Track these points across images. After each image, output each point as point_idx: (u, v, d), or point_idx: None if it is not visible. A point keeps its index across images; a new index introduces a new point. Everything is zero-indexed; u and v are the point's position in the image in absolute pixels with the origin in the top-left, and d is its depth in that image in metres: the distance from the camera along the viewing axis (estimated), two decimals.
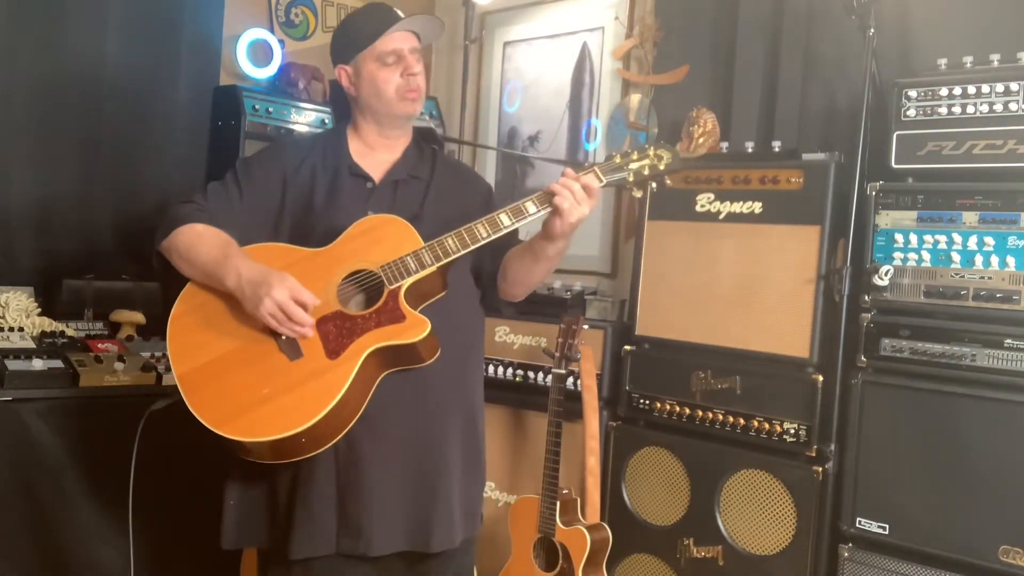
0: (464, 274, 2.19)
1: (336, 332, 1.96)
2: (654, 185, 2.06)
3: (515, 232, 2.12)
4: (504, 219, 2.00)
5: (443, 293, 2.08)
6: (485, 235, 2.00)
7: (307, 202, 2.12)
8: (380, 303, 1.98)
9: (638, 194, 2.07)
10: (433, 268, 1.99)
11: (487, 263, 2.21)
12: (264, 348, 1.98)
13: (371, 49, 2.12)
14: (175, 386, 1.99)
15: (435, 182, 2.20)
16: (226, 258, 1.99)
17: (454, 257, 2.00)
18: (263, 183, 2.14)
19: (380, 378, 2.01)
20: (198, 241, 2.04)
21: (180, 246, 2.05)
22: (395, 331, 1.96)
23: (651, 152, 2.04)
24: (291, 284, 1.93)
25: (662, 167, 2.03)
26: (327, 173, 2.15)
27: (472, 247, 2.00)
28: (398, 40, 2.13)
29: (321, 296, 1.97)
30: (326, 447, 1.97)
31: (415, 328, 1.96)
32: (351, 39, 2.18)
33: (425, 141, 2.30)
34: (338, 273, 2.01)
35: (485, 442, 2.27)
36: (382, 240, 2.02)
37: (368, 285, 2.02)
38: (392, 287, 1.98)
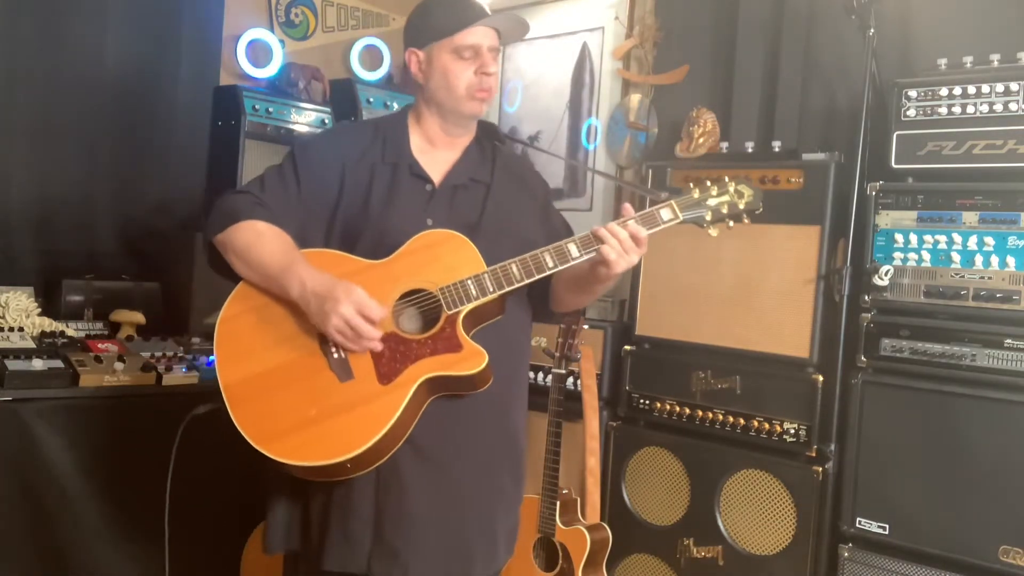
0: (521, 298, 2.09)
1: (390, 355, 1.86)
2: (731, 224, 1.92)
3: None
4: (573, 250, 1.88)
5: (500, 316, 1.97)
6: (552, 265, 1.88)
7: (364, 200, 2.00)
8: (437, 329, 1.88)
9: (715, 233, 1.92)
10: (495, 295, 1.88)
11: (539, 282, 2.08)
12: (315, 364, 1.88)
13: (450, 39, 1.98)
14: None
15: (495, 186, 2.08)
16: (291, 264, 1.89)
17: (517, 286, 1.89)
18: (321, 174, 2.01)
19: (428, 402, 1.91)
20: (258, 242, 1.92)
21: (238, 245, 1.94)
22: (451, 361, 1.86)
23: (731, 188, 1.91)
24: (358, 298, 1.82)
25: (742, 205, 1.90)
26: (387, 169, 2.03)
27: (537, 276, 1.89)
28: (480, 35, 1.99)
29: None
30: (369, 470, 1.89)
31: (472, 360, 1.86)
32: (430, 24, 2.02)
33: (487, 138, 2.17)
34: (395, 291, 1.90)
35: (526, 460, 2.17)
36: (443, 258, 1.90)
37: (425, 307, 1.91)
38: (451, 312, 1.87)
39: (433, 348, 1.87)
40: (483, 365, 1.86)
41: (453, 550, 1.97)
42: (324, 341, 1.89)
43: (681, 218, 1.89)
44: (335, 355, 1.89)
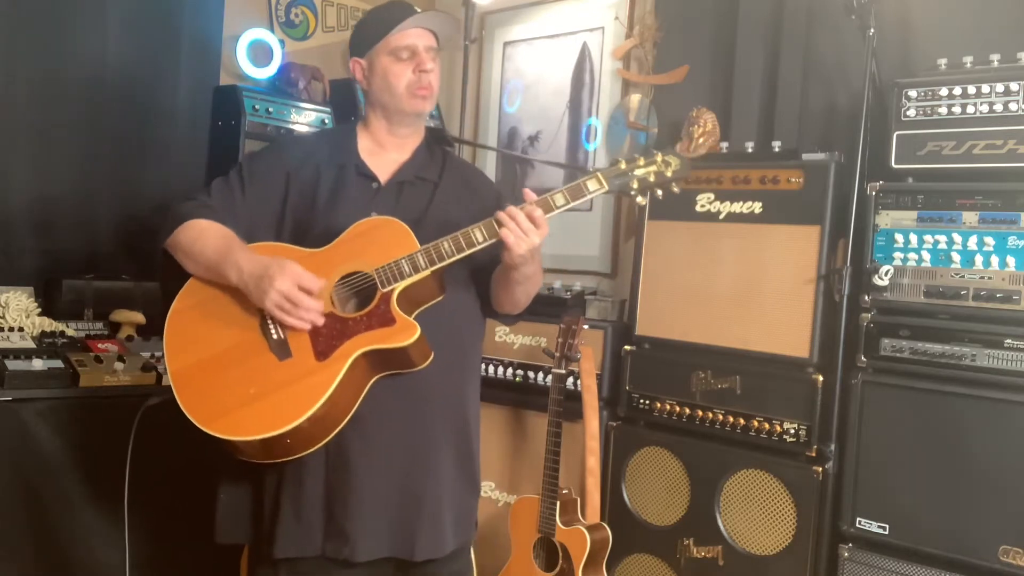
0: (465, 280, 2.16)
1: (327, 333, 1.95)
2: (660, 192, 2.00)
3: None
4: (477, 235, 1.96)
5: (440, 298, 2.05)
6: (481, 239, 1.96)
7: (310, 200, 2.10)
8: (372, 306, 1.96)
9: (642, 202, 2.02)
10: (427, 272, 1.97)
11: (479, 282, 2.18)
12: (255, 347, 1.97)
13: (385, 42, 2.10)
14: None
15: (442, 185, 2.17)
16: (228, 252, 1.98)
17: (449, 261, 1.97)
18: (267, 180, 2.13)
19: (372, 381, 2.00)
20: (200, 237, 2.03)
21: (183, 242, 2.05)
22: (384, 335, 1.94)
23: (658, 158, 1.99)
24: (292, 270, 1.91)
25: (669, 174, 1.98)
26: (332, 170, 2.13)
27: (468, 251, 1.96)
28: (413, 36, 2.10)
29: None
30: (316, 448, 1.96)
31: (404, 332, 1.94)
32: (367, 32, 2.15)
33: (436, 142, 2.26)
34: (334, 275, 1.99)
35: (480, 450, 2.24)
36: (379, 242, 1.99)
37: (362, 287, 2.00)
38: (385, 290, 1.96)
39: (368, 324, 1.95)
40: (415, 336, 1.94)
41: (397, 528, 2.05)
42: (264, 324, 1.99)
43: (607, 187, 1.97)
44: (274, 336, 1.98)
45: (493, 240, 1.96)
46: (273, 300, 1.91)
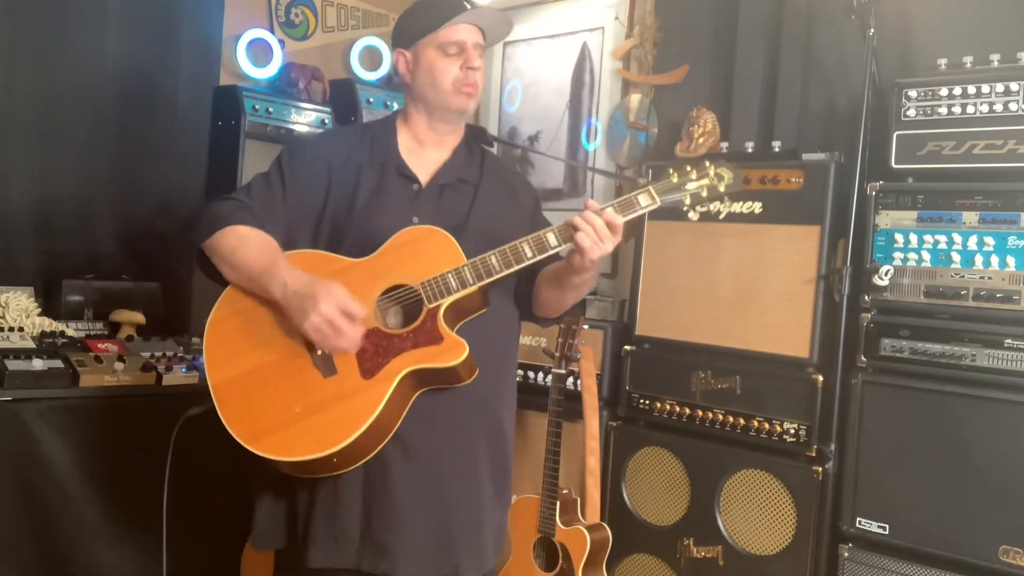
0: (505, 294, 2.11)
1: (372, 350, 1.89)
2: (710, 208, 1.94)
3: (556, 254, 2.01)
4: (552, 239, 1.91)
5: (483, 311, 1.99)
6: (530, 255, 1.90)
7: (350, 201, 2.04)
8: (418, 323, 1.90)
9: (695, 217, 1.94)
10: (475, 288, 1.91)
11: (522, 283, 2.13)
12: (299, 363, 1.92)
13: (433, 36, 2.03)
14: (207, 392, 1.95)
15: (483, 188, 2.11)
16: (272, 266, 1.92)
17: (497, 277, 1.91)
18: (307, 178, 2.06)
19: (415, 397, 1.94)
20: (242, 245, 1.97)
21: (223, 249, 1.98)
22: (432, 353, 1.89)
23: (711, 171, 1.92)
24: (338, 295, 1.86)
25: (722, 188, 1.91)
26: (374, 170, 2.07)
27: (516, 267, 1.91)
28: (463, 32, 2.04)
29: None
30: (357, 465, 1.91)
31: (452, 351, 1.89)
32: (415, 23, 2.08)
33: (476, 140, 2.20)
34: (377, 287, 1.94)
35: (511, 461, 2.19)
36: (424, 254, 1.93)
37: (407, 301, 1.94)
38: (431, 306, 1.90)
39: (415, 341, 1.90)
40: (464, 355, 1.89)
41: (440, 547, 1.99)
42: (309, 339, 1.92)
43: (659, 203, 1.91)
44: (319, 352, 1.92)
45: (543, 256, 1.91)
46: (313, 323, 1.85)
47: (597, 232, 1.87)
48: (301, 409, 1.89)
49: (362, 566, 1.96)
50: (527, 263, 1.92)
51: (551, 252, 1.92)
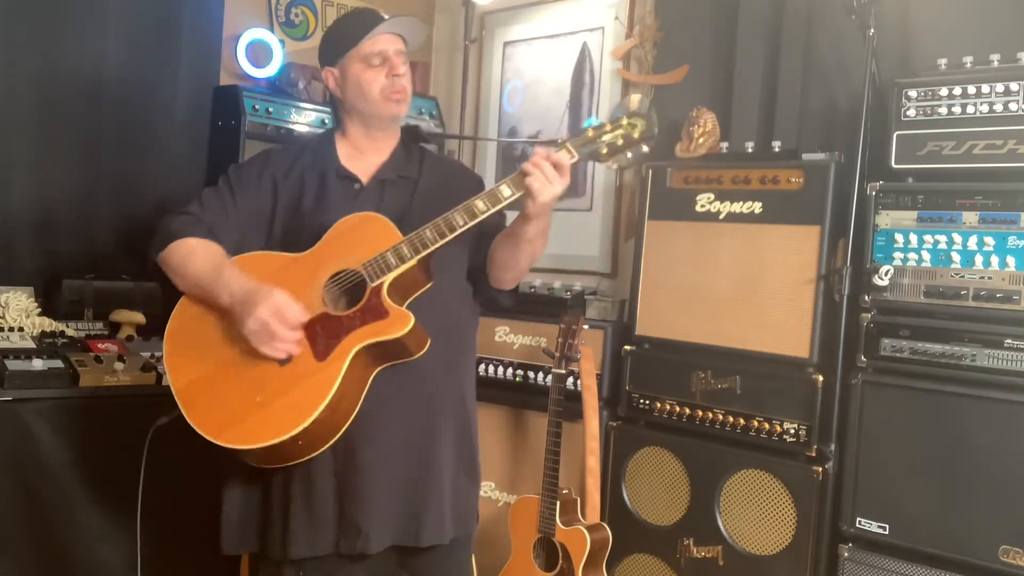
0: (455, 269, 2.20)
1: (323, 334, 1.98)
2: (629, 155, 2.05)
3: (501, 219, 2.12)
4: (480, 205, 2.00)
5: (429, 285, 2.08)
6: (462, 223, 1.99)
7: (296, 205, 2.15)
8: (363, 301, 1.99)
9: (613, 166, 2.06)
10: (413, 261, 2.00)
11: (474, 255, 2.22)
12: (256, 356, 1.99)
13: (356, 50, 2.14)
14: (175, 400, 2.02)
15: (423, 180, 2.21)
16: (218, 275, 2.02)
17: (433, 248, 2.00)
18: (255, 188, 2.17)
19: (373, 375, 2.03)
20: (190, 257, 2.07)
21: (173, 261, 2.09)
22: (379, 328, 1.97)
23: (624, 121, 2.01)
24: (276, 301, 1.94)
25: (636, 135, 2.00)
26: (315, 176, 2.17)
27: (450, 236, 2.00)
28: (383, 42, 2.14)
29: (307, 300, 1.99)
30: (325, 448, 1.99)
31: (399, 323, 1.97)
32: (337, 41, 2.19)
33: (412, 140, 2.31)
34: (322, 275, 2.02)
35: (479, 440, 2.28)
36: (363, 238, 2.03)
37: (352, 284, 2.03)
38: (374, 284, 1.99)
39: (363, 319, 1.99)
40: (410, 325, 1.97)
41: (404, 516, 2.08)
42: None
43: (577, 157, 2.00)
44: None
45: (473, 223, 2.00)
46: (249, 328, 1.94)
47: (545, 174, 1.95)
48: (261, 398, 1.96)
49: (340, 549, 2.04)
50: (460, 230, 2.00)
51: (482, 217, 2.00)
